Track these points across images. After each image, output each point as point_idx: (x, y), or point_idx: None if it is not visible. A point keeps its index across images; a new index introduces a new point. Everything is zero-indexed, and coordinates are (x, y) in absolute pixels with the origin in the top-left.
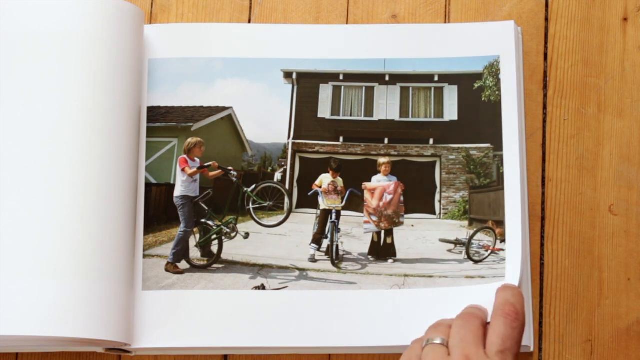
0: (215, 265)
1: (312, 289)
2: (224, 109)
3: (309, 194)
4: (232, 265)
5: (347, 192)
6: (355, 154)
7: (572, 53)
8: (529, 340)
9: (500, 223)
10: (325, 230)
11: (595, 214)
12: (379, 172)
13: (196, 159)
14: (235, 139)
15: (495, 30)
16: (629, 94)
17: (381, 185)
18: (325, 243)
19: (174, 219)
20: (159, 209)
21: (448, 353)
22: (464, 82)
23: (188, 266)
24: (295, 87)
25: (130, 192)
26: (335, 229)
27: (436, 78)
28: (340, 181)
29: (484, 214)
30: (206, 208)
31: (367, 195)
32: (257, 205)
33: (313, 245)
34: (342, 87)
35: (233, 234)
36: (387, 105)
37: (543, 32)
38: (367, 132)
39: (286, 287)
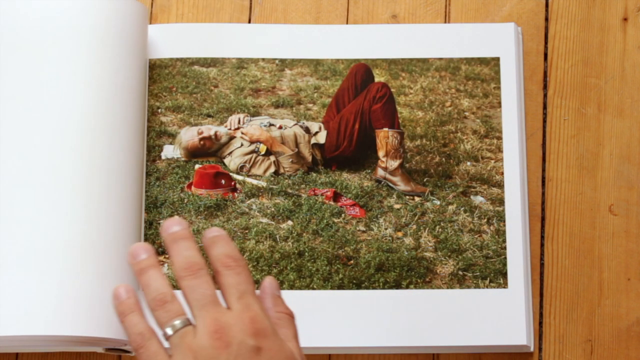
0: None
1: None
2: None
3: None
4: None
5: None
6: None
7: (572, 53)
8: (529, 340)
9: None
10: None
11: (595, 214)
12: None
13: None
14: None
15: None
16: (629, 94)
17: None
18: None
19: None
20: None
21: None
22: None
23: None
24: None
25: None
26: None
27: None
28: None
29: None
30: None
31: None
32: None
33: None
34: None
35: None
36: None
37: (543, 32)
38: None
39: None
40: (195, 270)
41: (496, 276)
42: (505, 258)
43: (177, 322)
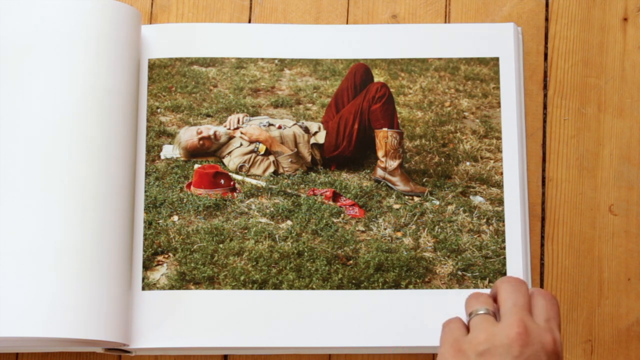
0: None
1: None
2: None
3: None
4: None
5: None
6: None
7: (572, 53)
8: None
9: None
10: None
11: (595, 214)
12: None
13: None
14: None
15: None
16: (629, 94)
17: None
18: None
19: None
20: None
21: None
22: None
23: None
24: None
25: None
26: None
27: None
28: None
29: None
30: None
31: None
32: None
33: None
34: None
35: None
36: None
37: (543, 32)
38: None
39: None
40: (517, 282)
41: (495, 276)
42: (505, 258)
43: (482, 310)
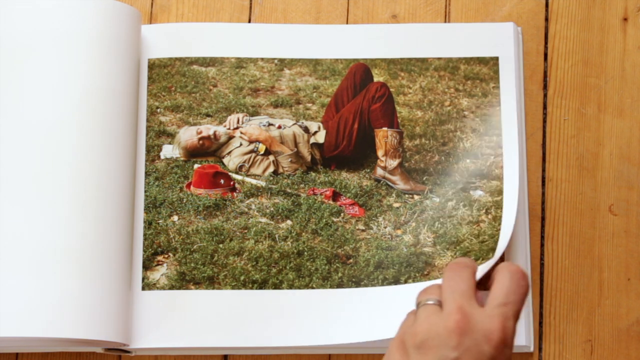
0: None
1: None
2: None
3: None
4: None
5: None
6: None
7: (572, 53)
8: (528, 340)
9: None
10: None
11: (595, 214)
12: None
13: None
14: None
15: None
16: (629, 94)
17: None
18: None
19: None
20: None
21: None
22: None
23: None
24: None
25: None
26: None
27: None
28: None
29: None
30: None
31: None
32: None
33: None
34: None
35: None
36: None
37: (543, 32)
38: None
39: None
40: (458, 266)
41: (488, 255)
42: (498, 238)
43: (430, 300)
